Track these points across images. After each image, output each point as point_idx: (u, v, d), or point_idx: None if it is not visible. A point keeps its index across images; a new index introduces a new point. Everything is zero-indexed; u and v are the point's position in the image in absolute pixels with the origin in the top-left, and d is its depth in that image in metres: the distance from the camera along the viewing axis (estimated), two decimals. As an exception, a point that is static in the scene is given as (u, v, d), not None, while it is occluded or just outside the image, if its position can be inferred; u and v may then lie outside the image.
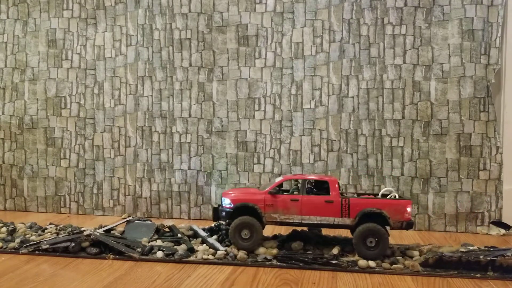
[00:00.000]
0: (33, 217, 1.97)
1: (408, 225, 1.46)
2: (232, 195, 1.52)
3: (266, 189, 1.51)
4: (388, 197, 1.53)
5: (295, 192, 1.50)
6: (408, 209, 1.45)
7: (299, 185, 1.51)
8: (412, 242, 1.65)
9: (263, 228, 1.50)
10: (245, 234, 1.47)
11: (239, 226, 1.47)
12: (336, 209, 1.45)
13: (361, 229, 1.43)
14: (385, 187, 1.88)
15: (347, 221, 1.45)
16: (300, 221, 1.48)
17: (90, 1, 2.06)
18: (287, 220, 1.48)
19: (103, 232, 1.59)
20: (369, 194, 1.61)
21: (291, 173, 1.93)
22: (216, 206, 1.58)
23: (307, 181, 1.50)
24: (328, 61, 1.92)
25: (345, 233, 1.66)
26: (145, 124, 2.03)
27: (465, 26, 1.84)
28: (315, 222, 1.47)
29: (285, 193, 1.53)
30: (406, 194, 1.88)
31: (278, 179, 1.54)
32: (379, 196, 1.54)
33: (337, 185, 1.48)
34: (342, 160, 1.92)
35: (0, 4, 2.11)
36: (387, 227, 1.46)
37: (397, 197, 1.52)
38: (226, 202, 1.52)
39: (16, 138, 2.11)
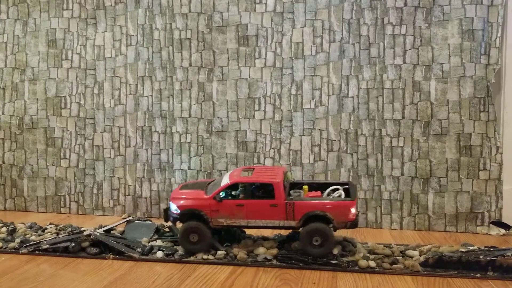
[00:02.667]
0: (33, 217, 1.97)
1: (352, 225, 1.46)
2: (179, 201, 1.51)
3: (211, 194, 1.48)
4: (335, 194, 1.53)
5: (240, 196, 1.49)
6: (352, 210, 1.45)
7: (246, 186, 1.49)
8: (412, 242, 1.65)
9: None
10: (193, 237, 1.48)
11: (186, 231, 1.48)
12: (281, 213, 1.46)
13: (307, 228, 1.44)
14: (385, 187, 1.89)
15: (292, 223, 1.47)
16: (246, 224, 1.49)
17: (90, 1, 2.06)
18: (234, 224, 1.49)
19: (103, 232, 1.59)
20: (319, 184, 1.60)
21: (291, 173, 1.91)
22: (166, 207, 1.57)
23: (252, 184, 1.48)
24: (328, 61, 1.92)
25: (345, 233, 1.66)
26: (145, 124, 2.03)
27: (465, 26, 1.83)
28: (261, 225, 1.48)
29: (233, 192, 1.52)
30: (406, 194, 1.88)
31: (224, 181, 1.51)
32: (326, 193, 1.54)
33: (282, 187, 1.46)
34: (342, 160, 1.92)
35: (0, 4, 2.11)
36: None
37: (343, 195, 1.52)
38: (173, 208, 1.51)
39: (16, 138, 2.11)
